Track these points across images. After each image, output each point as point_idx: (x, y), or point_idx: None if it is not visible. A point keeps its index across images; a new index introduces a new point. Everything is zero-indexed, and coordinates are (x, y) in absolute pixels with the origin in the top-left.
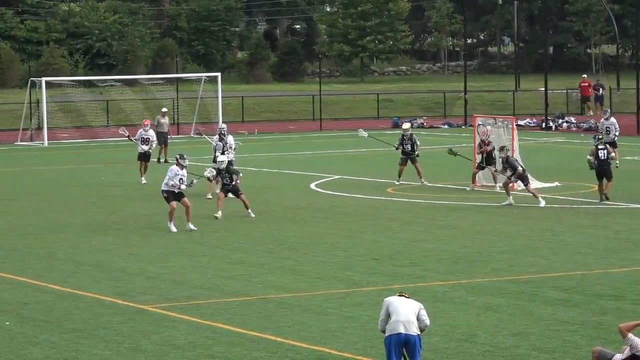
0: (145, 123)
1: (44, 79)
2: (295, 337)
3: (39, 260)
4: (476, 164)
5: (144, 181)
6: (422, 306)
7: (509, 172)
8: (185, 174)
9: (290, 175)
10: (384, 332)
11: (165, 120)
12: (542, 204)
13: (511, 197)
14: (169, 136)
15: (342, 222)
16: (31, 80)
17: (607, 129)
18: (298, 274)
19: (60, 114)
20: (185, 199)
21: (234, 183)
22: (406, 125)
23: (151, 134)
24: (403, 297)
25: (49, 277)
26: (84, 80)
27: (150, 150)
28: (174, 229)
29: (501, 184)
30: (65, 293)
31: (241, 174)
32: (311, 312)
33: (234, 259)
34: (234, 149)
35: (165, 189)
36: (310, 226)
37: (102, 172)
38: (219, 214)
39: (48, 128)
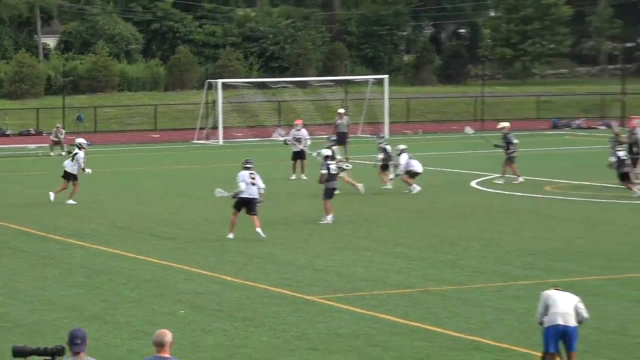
0: (297, 122)
1: (220, 81)
2: (454, 327)
3: (212, 253)
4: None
5: (293, 177)
6: (579, 299)
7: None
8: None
9: (453, 174)
10: (541, 324)
11: (343, 121)
12: None
13: None
14: (347, 138)
15: (500, 219)
16: (208, 82)
17: None
18: (458, 267)
19: (234, 114)
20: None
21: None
22: (501, 125)
23: (303, 133)
24: (558, 291)
25: (222, 269)
26: (258, 82)
27: (305, 149)
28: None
29: None
30: (237, 284)
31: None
32: (470, 304)
33: (397, 253)
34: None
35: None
36: (470, 222)
37: (273, 170)
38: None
39: (223, 127)
